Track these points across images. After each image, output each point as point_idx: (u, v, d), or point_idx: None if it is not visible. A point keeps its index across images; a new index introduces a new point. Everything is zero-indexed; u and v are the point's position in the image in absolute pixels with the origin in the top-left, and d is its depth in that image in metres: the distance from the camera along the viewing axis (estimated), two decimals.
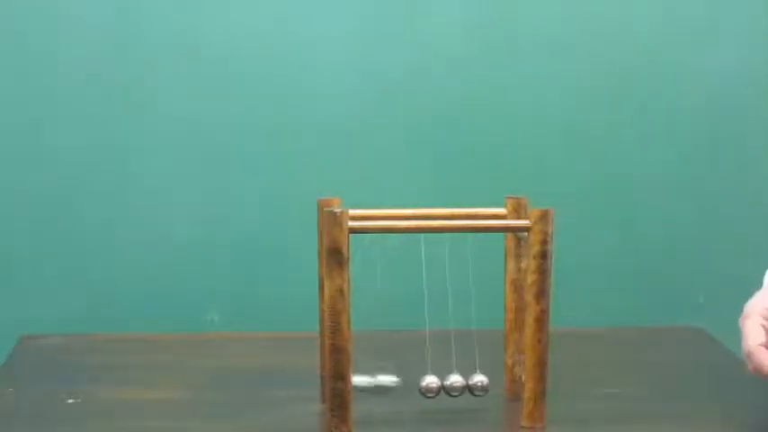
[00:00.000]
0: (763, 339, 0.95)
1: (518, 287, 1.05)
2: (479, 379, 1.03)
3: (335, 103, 1.52)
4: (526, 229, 0.98)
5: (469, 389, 1.03)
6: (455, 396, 1.03)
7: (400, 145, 1.53)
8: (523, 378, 1.01)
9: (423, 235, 0.99)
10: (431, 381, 1.02)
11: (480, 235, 0.99)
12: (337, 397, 0.96)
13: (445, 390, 1.02)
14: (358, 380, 1.00)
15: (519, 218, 1.04)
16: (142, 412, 1.06)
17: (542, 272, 0.97)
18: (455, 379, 1.02)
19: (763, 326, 0.96)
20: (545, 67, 1.53)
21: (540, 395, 0.99)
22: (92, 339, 1.35)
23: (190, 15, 1.49)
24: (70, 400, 1.09)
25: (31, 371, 1.21)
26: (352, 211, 0.97)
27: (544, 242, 0.97)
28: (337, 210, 0.95)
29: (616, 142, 1.55)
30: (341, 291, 0.95)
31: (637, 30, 1.53)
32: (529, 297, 0.98)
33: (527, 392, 0.99)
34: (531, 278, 0.98)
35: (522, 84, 1.53)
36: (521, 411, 1.00)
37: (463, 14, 1.51)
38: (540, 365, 0.99)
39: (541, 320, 0.98)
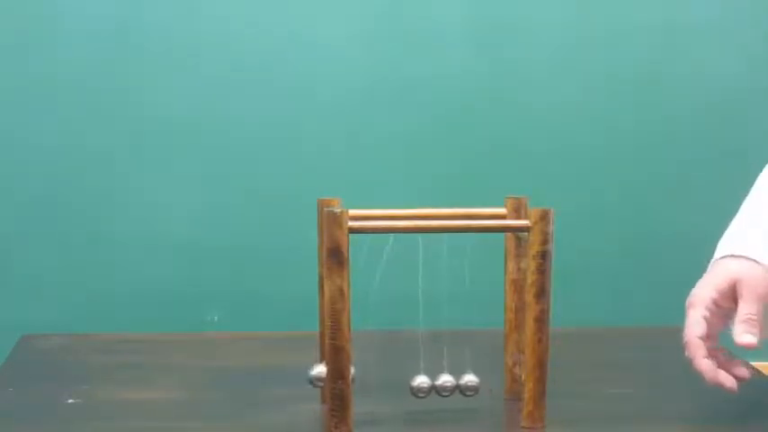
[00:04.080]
0: (703, 331, 1.01)
1: (518, 287, 1.05)
2: (469, 378, 1.03)
3: (336, 104, 1.52)
4: (526, 229, 0.98)
5: (460, 389, 1.03)
6: (446, 396, 1.02)
7: (400, 145, 1.53)
8: (523, 378, 1.01)
9: (422, 235, 0.99)
10: (421, 381, 1.02)
11: (480, 235, 0.99)
12: (337, 397, 0.96)
13: (436, 390, 1.02)
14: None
15: (519, 218, 1.04)
16: (142, 412, 1.06)
17: (542, 272, 0.97)
18: (446, 379, 1.02)
19: (706, 317, 1.02)
20: (546, 68, 1.53)
21: (540, 395, 0.99)
22: (92, 339, 1.35)
23: (190, 16, 1.49)
24: (70, 400, 1.09)
25: (31, 371, 1.21)
26: (352, 211, 0.97)
27: (544, 242, 0.97)
28: (337, 210, 0.95)
29: (616, 142, 1.55)
30: (341, 291, 0.95)
31: (638, 31, 1.53)
32: (529, 297, 0.98)
33: (527, 392, 0.99)
34: (531, 278, 0.98)
35: (523, 84, 1.53)
36: (521, 411, 1.00)
37: (464, 16, 1.51)
38: (540, 365, 0.99)
39: (541, 320, 0.98)
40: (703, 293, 1.03)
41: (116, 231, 1.52)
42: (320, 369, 1.03)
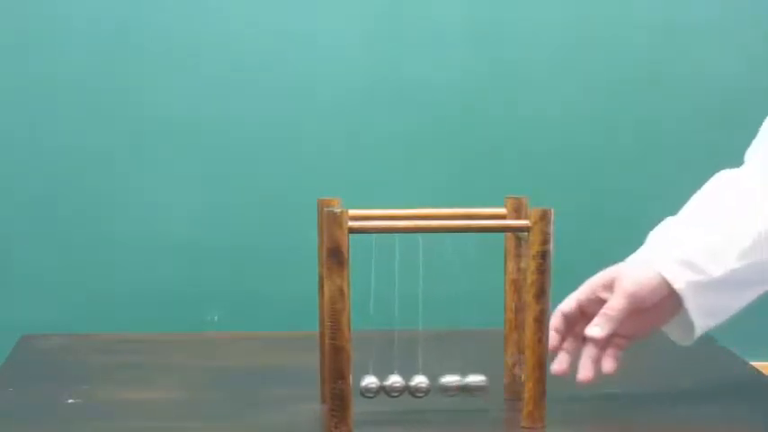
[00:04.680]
0: (567, 308, 1.05)
1: (518, 287, 1.05)
2: (475, 378, 1.03)
3: (336, 104, 1.52)
4: (526, 229, 0.98)
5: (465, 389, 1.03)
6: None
7: (400, 145, 1.53)
8: (523, 378, 1.01)
9: (422, 235, 0.99)
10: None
11: (480, 235, 0.99)
12: (337, 397, 0.96)
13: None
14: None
15: (519, 218, 1.04)
16: (142, 412, 1.06)
17: (542, 272, 0.97)
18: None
19: (578, 300, 1.05)
20: (545, 68, 1.53)
21: (540, 395, 0.99)
22: (92, 339, 1.35)
23: (190, 16, 1.49)
24: (70, 400, 1.09)
25: (31, 371, 1.21)
26: (352, 211, 0.97)
27: (544, 242, 0.97)
28: (337, 210, 0.95)
29: (616, 142, 1.55)
30: (341, 291, 0.95)
31: (638, 31, 1.53)
32: (529, 297, 0.98)
33: (527, 393, 0.99)
34: (531, 278, 0.98)
35: (523, 84, 1.53)
36: (521, 411, 1.00)
37: (464, 16, 1.51)
38: (540, 365, 0.99)
39: (541, 320, 0.98)
40: (587, 281, 1.06)
41: (116, 231, 1.51)
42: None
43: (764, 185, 1.07)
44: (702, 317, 1.04)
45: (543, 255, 0.97)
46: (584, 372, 1.03)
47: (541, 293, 0.98)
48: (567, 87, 1.54)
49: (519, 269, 1.04)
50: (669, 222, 1.09)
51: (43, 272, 1.51)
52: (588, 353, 1.03)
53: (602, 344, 1.03)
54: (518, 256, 1.05)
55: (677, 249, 1.03)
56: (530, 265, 0.97)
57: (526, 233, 0.98)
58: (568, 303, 1.05)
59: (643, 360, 1.24)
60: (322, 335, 1.02)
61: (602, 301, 1.03)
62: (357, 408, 0.98)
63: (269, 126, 1.52)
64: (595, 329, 1.02)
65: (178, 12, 1.48)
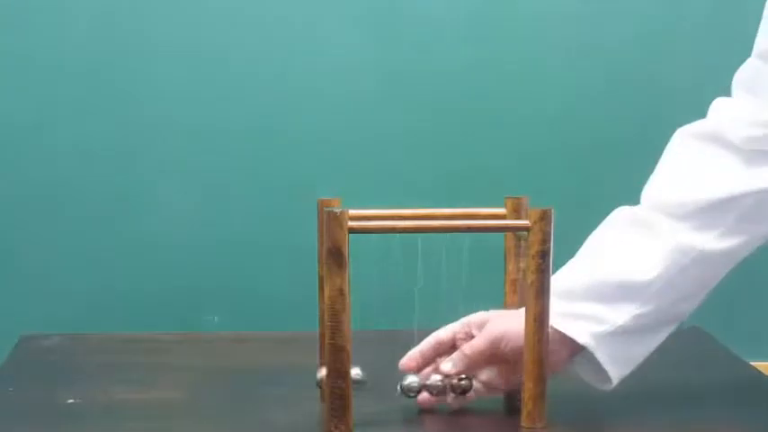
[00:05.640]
0: (440, 337, 1.04)
1: (518, 287, 1.05)
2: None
3: (336, 104, 1.52)
4: (526, 228, 0.98)
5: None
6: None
7: (400, 145, 1.53)
8: (523, 378, 1.01)
9: (422, 235, 0.99)
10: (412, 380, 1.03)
11: (480, 235, 0.99)
12: (337, 397, 0.96)
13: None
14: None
15: (519, 218, 1.04)
16: (142, 412, 1.06)
17: (542, 272, 0.97)
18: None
19: (453, 330, 1.03)
20: (544, 68, 1.53)
21: (540, 395, 0.99)
22: (92, 339, 1.35)
23: (191, 14, 1.49)
24: (70, 400, 1.09)
25: (31, 371, 1.21)
26: (352, 211, 0.97)
27: (544, 242, 0.97)
28: (337, 210, 0.95)
29: (617, 142, 1.55)
30: (341, 291, 0.95)
31: (638, 31, 1.53)
32: (529, 297, 0.98)
33: (527, 392, 0.99)
34: (531, 278, 0.98)
35: (522, 84, 1.53)
36: (521, 412, 1.00)
37: (462, 15, 1.51)
38: (540, 365, 0.99)
39: (541, 320, 0.98)
40: (467, 316, 1.05)
41: (116, 231, 1.52)
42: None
43: (661, 226, 1.06)
44: (615, 365, 1.02)
45: (543, 254, 0.97)
46: (422, 399, 1.04)
47: (541, 293, 0.98)
48: (567, 87, 1.54)
49: (519, 269, 1.04)
50: (567, 269, 1.05)
51: (43, 272, 1.51)
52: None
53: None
54: (518, 256, 1.05)
55: (576, 302, 1.01)
56: (530, 264, 0.97)
57: (526, 233, 0.98)
58: (444, 332, 1.04)
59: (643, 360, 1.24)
60: (322, 335, 1.02)
61: (471, 339, 1.02)
62: (357, 408, 0.98)
63: (269, 126, 1.52)
64: (447, 365, 1.02)
65: (180, 10, 1.48)
